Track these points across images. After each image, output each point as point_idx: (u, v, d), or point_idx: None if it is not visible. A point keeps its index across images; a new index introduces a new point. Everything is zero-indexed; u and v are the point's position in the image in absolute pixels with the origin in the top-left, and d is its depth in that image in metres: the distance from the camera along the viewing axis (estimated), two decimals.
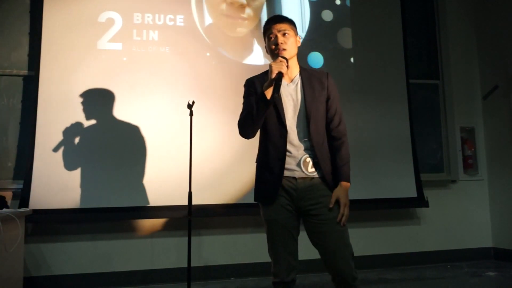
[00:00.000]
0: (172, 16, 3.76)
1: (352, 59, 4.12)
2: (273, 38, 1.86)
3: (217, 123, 3.69)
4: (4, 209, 2.91)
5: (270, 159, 1.83)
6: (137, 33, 3.67)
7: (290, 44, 1.85)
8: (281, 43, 1.82)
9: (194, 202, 2.97)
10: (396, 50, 4.26)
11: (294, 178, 1.80)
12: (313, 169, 1.81)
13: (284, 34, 1.85)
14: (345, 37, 4.13)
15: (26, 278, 3.14)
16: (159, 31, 3.71)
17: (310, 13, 4.07)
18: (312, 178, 1.81)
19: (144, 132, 3.54)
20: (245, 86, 1.95)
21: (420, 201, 4.04)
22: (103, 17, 3.63)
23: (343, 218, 1.76)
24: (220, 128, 3.69)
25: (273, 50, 1.85)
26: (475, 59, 4.62)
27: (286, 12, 4.00)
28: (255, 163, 1.93)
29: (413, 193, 4.03)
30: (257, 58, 3.87)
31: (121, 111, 3.52)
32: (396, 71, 4.23)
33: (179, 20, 3.78)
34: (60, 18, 3.54)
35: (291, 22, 1.91)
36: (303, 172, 1.80)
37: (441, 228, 4.25)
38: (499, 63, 4.35)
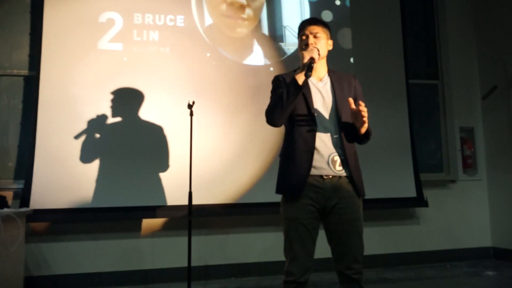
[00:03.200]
0: (172, 17, 3.77)
1: (352, 60, 4.12)
2: (304, 38, 1.92)
3: (217, 123, 3.69)
4: (5, 209, 2.91)
5: (297, 152, 1.82)
6: (138, 34, 3.68)
7: (321, 46, 1.90)
8: (311, 43, 1.88)
9: (194, 202, 2.98)
10: (395, 51, 4.27)
11: (321, 177, 1.80)
12: (341, 167, 1.83)
13: (315, 36, 1.90)
14: (345, 38, 4.13)
15: (27, 277, 3.15)
16: (160, 32, 3.72)
17: (310, 13, 4.06)
18: (340, 177, 1.83)
19: (144, 132, 3.55)
20: (273, 82, 1.98)
21: (420, 201, 4.05)
22: (103, 17, 3.64)
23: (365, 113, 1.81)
24: (220, 128, 3.69)
25: (304, 50, 1.89)
26: (475, 59, 4.63)
27: (286, 12, 4.01)
28: (279, 157, 1.94)
29: (412, 193, 4.04)
30: (257, 58, 3.86)
31: (121, 111, 3.53)
32: (396, 71, 4.23)
33: (179, 20, 3.79)
34: (61, 18, 3.55)
35: (324, 25, 1.96)
36: (331, 170, 1.81)
37: (441, 227, 4.26)
38: (498, 63, 4.36)
